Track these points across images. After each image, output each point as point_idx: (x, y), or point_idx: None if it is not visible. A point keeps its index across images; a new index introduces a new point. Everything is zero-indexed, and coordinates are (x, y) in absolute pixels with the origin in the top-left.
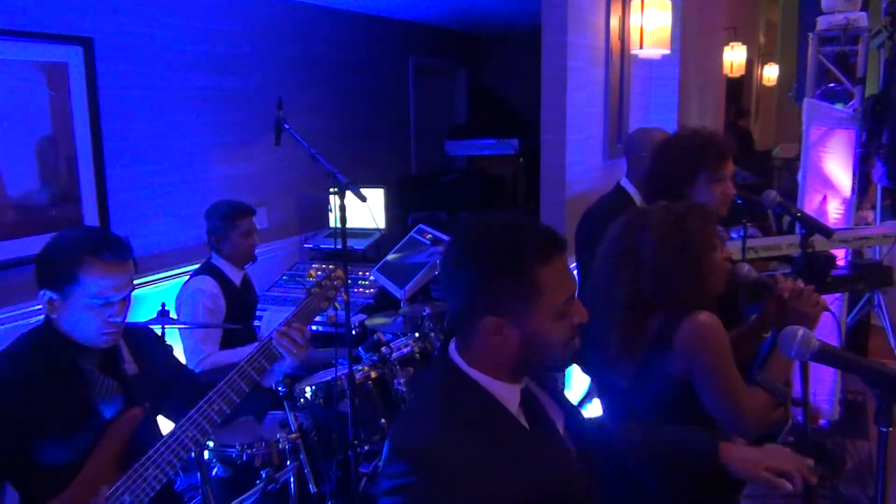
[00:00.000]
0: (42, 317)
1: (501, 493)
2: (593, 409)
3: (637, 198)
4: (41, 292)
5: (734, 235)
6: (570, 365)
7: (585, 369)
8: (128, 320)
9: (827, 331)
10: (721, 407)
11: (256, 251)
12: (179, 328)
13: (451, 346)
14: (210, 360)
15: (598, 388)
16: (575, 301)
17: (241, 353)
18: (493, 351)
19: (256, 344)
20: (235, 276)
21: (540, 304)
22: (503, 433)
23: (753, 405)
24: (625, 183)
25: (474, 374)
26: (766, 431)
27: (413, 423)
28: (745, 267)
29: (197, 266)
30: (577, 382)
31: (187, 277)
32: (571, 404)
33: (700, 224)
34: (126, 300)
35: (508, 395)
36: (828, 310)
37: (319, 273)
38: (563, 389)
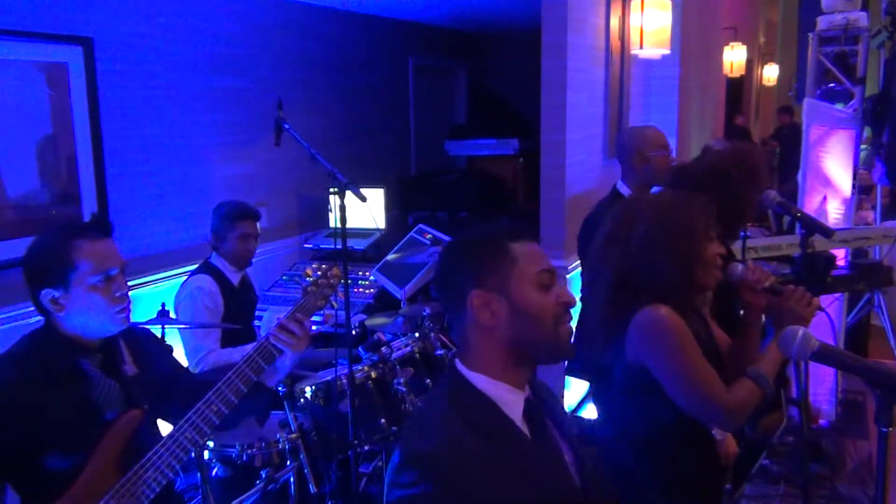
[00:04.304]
0: (41, 317)
1: (506, 502)
2: (590, 412)
3: None
4: (42, 293)
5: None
6: (569, 355)
7: (581, 372)
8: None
9: (824, 331)
10: (688, 400)
11: (257, 251)
12: (179, 328)
13: (457, 359)
14: (211, 359)
15: (593, 390)
16: (558, 282)
17: (243, 351)
18: (488, 337)
19: (256, 343)
20: (234, 277)
21: (516, 272)
22: (508, 443)
23: (730, 396)
24: (620, 186)
25: (478, 379)
26: (748, 422)
27: (423, 431)
28: (739, 267)
29: (196, 266)
30: (576, 384)
31: (186, 277)
32: (569, 418)
33: (697, 213)
34: (122, 275)
35: (512, 401)
36: (821, 310)
37: (315, 272)
38: (562, 397)
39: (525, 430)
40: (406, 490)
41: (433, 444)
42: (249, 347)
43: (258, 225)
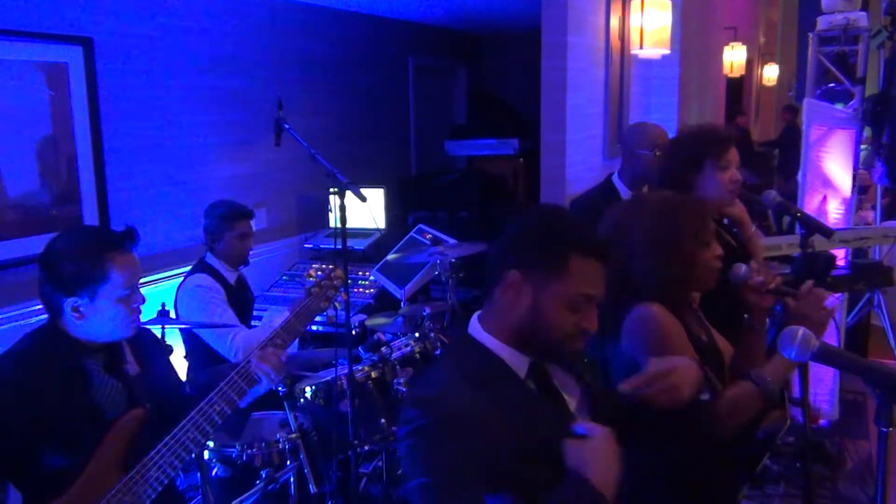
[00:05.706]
0: (44, 317)
1: (499, 439)
2: None
3: (625, 195)
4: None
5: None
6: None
7: None
8: None
9: (826, 331)
10: None
11: (256, 251)
12: (179, 328)
13: (471, 321)
14: (241, 336)
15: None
16: (592, 307)
17: (266, 328)
18: (505, 309)
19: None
20: (230, 276)
21: (561, 284)
22: (505, 389)
23: (727, 397)
24: (615, 179)
25: (487, 339)
26: (746, 424)
27: (426, 381)
28: (743, 267)
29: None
30: None
31: (182, 277)
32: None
33: (693, 218)
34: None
35: (517, 361)
36: (832, 317)
37: (319, 273)
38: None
39: (531, 385)
40: (409, 425)
41: (432, 389)
42: (281, 319)
43: (252, 223)
